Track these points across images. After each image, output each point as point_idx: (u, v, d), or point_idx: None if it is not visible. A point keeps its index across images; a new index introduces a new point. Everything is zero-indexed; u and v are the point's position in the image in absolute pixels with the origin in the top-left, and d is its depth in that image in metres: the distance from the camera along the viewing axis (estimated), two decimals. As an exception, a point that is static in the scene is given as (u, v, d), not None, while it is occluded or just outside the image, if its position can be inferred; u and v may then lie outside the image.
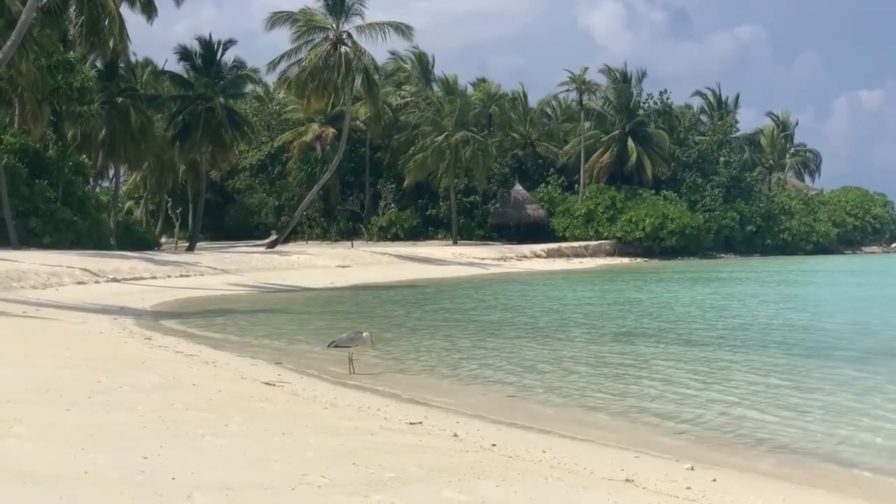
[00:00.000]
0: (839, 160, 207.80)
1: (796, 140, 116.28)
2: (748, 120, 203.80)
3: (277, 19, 66.55)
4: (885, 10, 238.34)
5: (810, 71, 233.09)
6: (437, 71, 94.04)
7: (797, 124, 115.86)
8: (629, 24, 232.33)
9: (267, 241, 75.23)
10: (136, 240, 59.59)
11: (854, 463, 10.44)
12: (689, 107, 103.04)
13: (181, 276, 41.11)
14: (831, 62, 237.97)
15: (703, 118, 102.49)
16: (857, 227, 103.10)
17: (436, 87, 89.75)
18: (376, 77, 70.03)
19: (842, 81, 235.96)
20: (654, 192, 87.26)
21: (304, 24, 66.24)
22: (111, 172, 69.61)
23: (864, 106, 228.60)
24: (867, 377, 15.96)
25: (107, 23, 51.70)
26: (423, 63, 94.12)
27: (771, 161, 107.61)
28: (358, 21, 66.58)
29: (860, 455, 10.74)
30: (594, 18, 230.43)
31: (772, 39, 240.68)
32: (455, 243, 78.86)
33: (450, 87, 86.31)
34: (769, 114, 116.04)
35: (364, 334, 16.25)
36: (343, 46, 65.82)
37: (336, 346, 16.19)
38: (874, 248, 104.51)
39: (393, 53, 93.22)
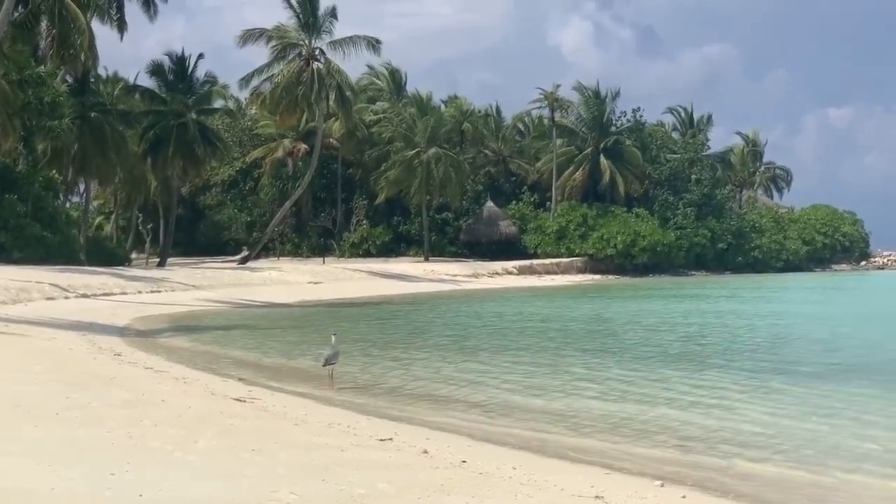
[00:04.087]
0: (808, 177, 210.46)
1: (766, 157, 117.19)
2: (719, 137, 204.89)
3: (250, 36, 66.58)
4: (854, 27, 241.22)
5: (780, 88, 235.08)
6: (410, 87, 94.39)
7: (766, 143, 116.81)
8: (598, 41, 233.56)
9: (238, 256, 74.99)
10: (106, 255, 59.22)
11: (825, 475, 10.51)
12: (661, 124, 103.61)
13: (152, 291, 40.93)
14: (801, 79, 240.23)
15: (675, 135, 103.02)
16: (826, 245, 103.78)
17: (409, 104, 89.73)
18: (349, 93, 70.07)
19: (811, 99, 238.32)
20: (626, 209, 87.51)
21: (276, 40, 66.30)
22: (82, 188, 69.34)
23: (832, 123, 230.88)
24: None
25: (77, 37, 51.55)
26: (395, 79, 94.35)
27: (741, 178, 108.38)
28: (330, 37, 66.86)
29: (834, 468, 10.81)
30: (564, 36, 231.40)
31: (741, 57, 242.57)
32: (427, 260, 78.88)
33: (422, 103, 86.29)
34: (739, 133, 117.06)
35: (332, 339, 16.77)
36: (316, 63, 65.90)
37: (329, 365, 16.35)
38: (843, 265, 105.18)
39: (370, 68, 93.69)
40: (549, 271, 77.34)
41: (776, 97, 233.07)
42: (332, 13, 66.98)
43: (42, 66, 51.00)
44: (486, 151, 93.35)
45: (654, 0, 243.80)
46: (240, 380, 16.74)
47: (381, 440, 11.01)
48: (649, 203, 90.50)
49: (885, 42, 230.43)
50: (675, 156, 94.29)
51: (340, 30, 67.50)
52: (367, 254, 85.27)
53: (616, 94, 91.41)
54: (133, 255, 74.38)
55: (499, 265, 74.81)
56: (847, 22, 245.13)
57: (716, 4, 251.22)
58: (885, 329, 31.82)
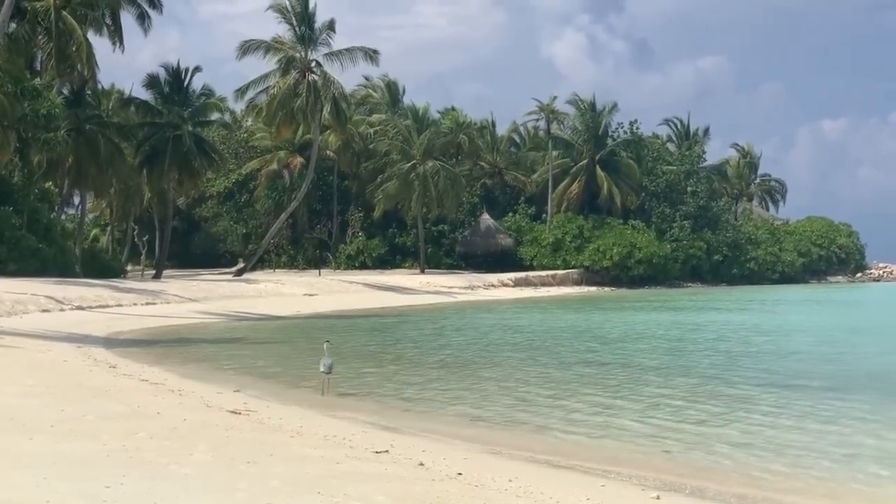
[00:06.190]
0: (802, 190, 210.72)
1: (760, 170, 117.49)
2: (713, 150, 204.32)
3: (248, 48, 66.65)
4: (848, 40, 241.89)
5: (773, 101, 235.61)
6: (406, 99, 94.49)
7: (761, 155, 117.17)
8: (591, 54, 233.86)
9: (234, 269, 74.84)
10: (101, 267, 58.98)
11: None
12: (656, 136, 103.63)
13: (147, 304, 40.85)
14: (794, 92, 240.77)
15: (671, 147, 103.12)
16: (822, 257, 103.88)
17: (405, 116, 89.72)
18: (345, 105, 70.12)
19: (805, 111, 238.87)
20: (622, 221, 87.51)
21: (273, 52, 66.40)
22: (77, 200, 69.19)
23: (826, 136, 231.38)
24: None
25: (75, 49, 51.56)
26: (392, 90, 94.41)
27: (737, 190, 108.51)
28: (326, 49, 67.04)
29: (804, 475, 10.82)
30: (557, 49, 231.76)
31: (734, 69, 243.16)
32: (423, 272, 78.66)
33: (419, 116, 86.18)
34: (734, 145, 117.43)
35: (325, 347, 17.06)
36: (312, 75, 66.00)
37: (329, 374, 16.43)
38: (839, 277, 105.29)
39: (367, 79, 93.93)
40: (544, 283, 77.29)
41: (769, 110, 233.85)
42: (331, 26, 67.21)
43: (38, 79, 50.96)
44: (482, 163, 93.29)
45: (647, 12, 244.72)
46: (235, 392, 16.71)
47: (376, 452, 10.98)
48: (645, 215, 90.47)
49: (879, 54, 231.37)
50: (671, 168, 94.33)
51: (335, 42, 67.78)
52: (363, 266, 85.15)
53: (613, 107, 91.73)
54: (128, 267, 74.11)
55: (495, 277, 74.76)
56: (841, 34, 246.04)
57: (709, 17, 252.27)
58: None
